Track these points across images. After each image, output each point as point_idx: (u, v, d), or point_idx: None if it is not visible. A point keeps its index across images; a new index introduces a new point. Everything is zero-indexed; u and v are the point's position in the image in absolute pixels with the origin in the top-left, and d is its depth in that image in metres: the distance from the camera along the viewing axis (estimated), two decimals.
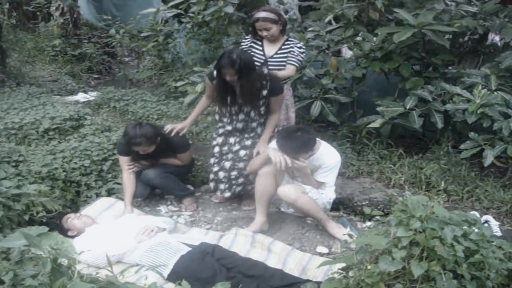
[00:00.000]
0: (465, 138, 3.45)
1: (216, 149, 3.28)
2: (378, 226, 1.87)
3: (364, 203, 3.29)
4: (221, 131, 3.28)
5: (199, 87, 4.01)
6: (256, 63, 3.33)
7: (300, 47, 3.39)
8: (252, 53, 3.44)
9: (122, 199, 3.27)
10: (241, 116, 3.18)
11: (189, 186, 3.60)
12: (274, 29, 3.31)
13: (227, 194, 3.23)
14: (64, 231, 2.86)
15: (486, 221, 2.91)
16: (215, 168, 3.25)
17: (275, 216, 3.16)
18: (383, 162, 3.73)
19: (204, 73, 4.29)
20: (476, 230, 1.67)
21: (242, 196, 3.37)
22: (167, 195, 3.57)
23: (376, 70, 3.87)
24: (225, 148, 3.24)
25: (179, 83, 4.73)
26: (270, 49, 3.40)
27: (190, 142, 3.72)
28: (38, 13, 8.68)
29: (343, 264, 1.83)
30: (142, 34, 6.10)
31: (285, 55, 3.37)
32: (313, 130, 3.22)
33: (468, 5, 3.96)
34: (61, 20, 7.80)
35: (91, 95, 6.19)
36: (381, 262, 1.57)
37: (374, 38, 3.97)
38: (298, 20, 5.26)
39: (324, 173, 3.02)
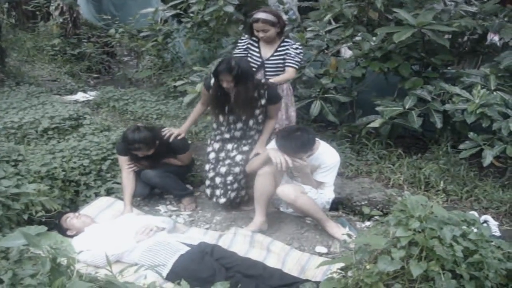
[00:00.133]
0: (464, 138, 3.46)
1: (212, 155, 3.26)
2: (377, 226, 1.87)
3: (363, 203, 3.29)
4: (218, 137, 3.28)
5: (198, 87, 4.01)
6: (253, 65, 3.35)
7: (296, 48, 3.38)
8: (249, 55, 3.44)
9: (121, 199, 3.27)
10: (239, 125, 3.18)
11: (188, 186, 3.60)
12: (272, 31, 3.30)
13: (222, 200, 3.21)
14: (63, 231, 2.86)
15: (485, 221, 2.91)
16: (211, 174, 3.23)
17: (274, 216, 3.16)
18: (382, 162, 3.74)
19: (204, 72, 4.29)
20: (475, 230, 1.67)
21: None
22: (166, 195, 3.56)
23: (376, 70, 3.88)
24: (222, 154, 3.24)
25: (178, 83, 4.72)
26: (266, 51, 3.40)
27: (190, 142, 3.72)
28: (37, 12, 8.65)
29: (342, 264, 1.83)
30: (141, 34, 6.09)
31: (282, 57, 3.36)
32: (312, 130, 3.22)
33: (467, 5, 3.97)
34: (61, 20, 7.78)
35: (91, 95, 6.18)
36: (380, 262, 1.58)
37: (374, 38, 3.97)
38: (298, 20, 5.26)
39: (323, 173, 3.02)
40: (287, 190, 2.92)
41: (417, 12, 3.65)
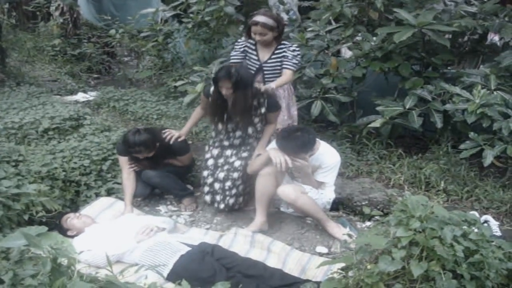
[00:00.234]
0: (464, 138, 3.46)
1: (211, 162, 3.25)
2: (377, 226, 1.87)
3: (363, 203, 3.28)
4: (217, 144, 3.28)
5: (198, 87, 4.01)
6: (252, 68, 3.35)
7: (293, 50, 3.34)
8: (247, 58, 3.44)
9: (121, 199, 3.27)
10: (238, 133, 3.19)
11: (189, 186, 3.60)
12: (269, 35, 3.27)
13: (221, 206, 3.21)
14: (63, 231, 2.87)
15: (486, 221, 2.91)
16: (209, 180, 3.23)
17: (274, 216, 3.16)
18: (382, 162, 3.73)
19: (204, 72, 4.29)
20: (476, 230, 1.67)
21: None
22: (167, 195, 3.56)
23: (376, 70, 3.88)
24: (221, 160, 3.24)
25: (178, 83, 4.72)
26: (264, 54, 3.39)
27: (190, 142, 3.72)
28: (37, 12, 8.65)
29: (343, 264, 1.83)
30: (141, 34, 6.09)
31: (280, 59, 3.35)
32: (313, 130, 3.22)
33: (467, 5, 3.97)
34: (61, 20, 7.78)
35: (91, 95, 6.19)
36: (381, 262, 1.58)
37: (374, 38, 3.97)
38: (298, 20, 5.26)
39: (323, 173, 3.02)
40: (288, 190, 2.92)
41: (418, 12, 3.65)
